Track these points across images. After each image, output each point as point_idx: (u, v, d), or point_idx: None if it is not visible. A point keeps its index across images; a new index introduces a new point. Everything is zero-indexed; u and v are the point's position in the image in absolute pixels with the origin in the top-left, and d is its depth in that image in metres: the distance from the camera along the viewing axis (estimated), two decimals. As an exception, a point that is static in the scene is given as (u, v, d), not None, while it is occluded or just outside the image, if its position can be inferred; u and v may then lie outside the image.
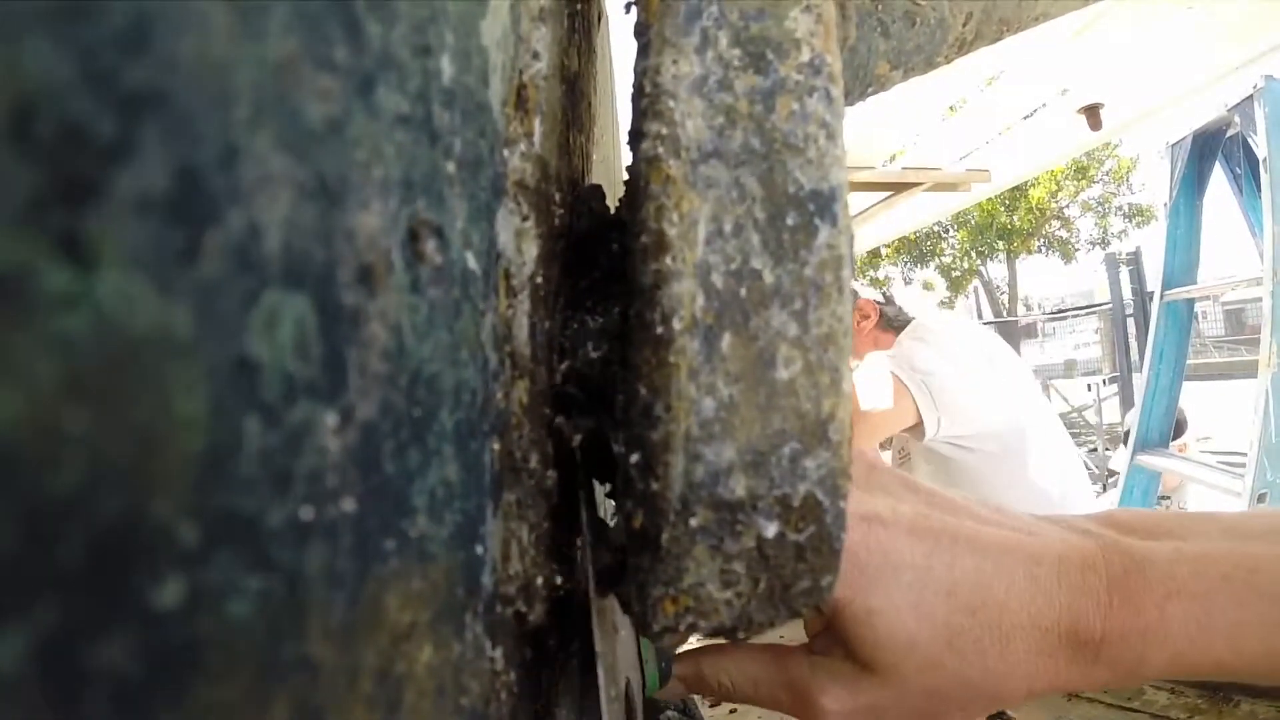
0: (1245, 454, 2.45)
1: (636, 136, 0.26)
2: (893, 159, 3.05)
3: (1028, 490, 1.55)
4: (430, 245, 0.18)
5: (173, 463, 0.12)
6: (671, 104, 0.26)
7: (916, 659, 0.32)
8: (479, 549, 0.22)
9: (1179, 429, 3.25)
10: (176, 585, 0.12)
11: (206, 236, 0.12)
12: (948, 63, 0.52)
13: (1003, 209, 16.77)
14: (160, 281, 0.12)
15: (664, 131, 0.25)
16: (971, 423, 1.51)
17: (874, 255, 16.15)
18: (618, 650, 0.32)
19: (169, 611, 0.12)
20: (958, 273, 18.46)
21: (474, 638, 0.22)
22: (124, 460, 0.11)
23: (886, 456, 1.85)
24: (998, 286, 19.62)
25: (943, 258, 18.62)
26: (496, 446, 0.23)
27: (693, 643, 0.36)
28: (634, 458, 0.25)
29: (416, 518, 0.18)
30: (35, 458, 0.11)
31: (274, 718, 0.14)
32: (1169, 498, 3.12)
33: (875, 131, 2.66)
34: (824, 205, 0.26)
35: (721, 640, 0.31)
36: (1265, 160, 2.43)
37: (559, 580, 0.28)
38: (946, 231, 18.25)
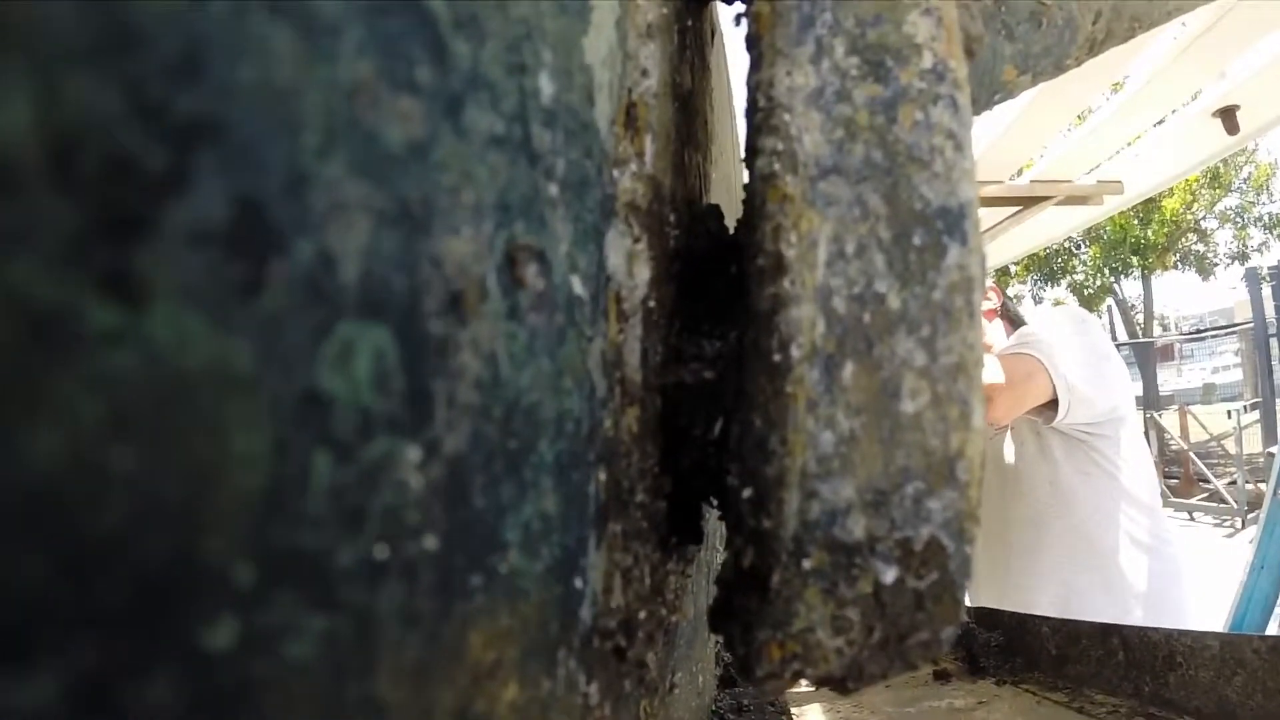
0: None
1: (752, 153, 0.25)
2: (1020, 173, 2.92)
3: (1127, 479, 1.58)
4: (530, 270, 0.17)
5: (227, 501, 0.12)
6: (787, 118, 0.24)
7: None
8: (578, 582, 0.21)
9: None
10: (229, 626, 0.12)
11: (270, 268, 0.12)
12: (1078, 64, 0.48)
13: (1136, 222, 15.73)
14: (217, 316, 0.11)
15: (780, 147, 0.24)
16: (1093, 409, 1.51)
17: (1003, 273, 15.48)
18: None
19: (220, 653, 0.12)
20: (1090, 290, 17.44)
21: (567, 674, 0.21)
22: (173, 499, 0.11)
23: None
24: (1132, 305, 18.39)
25: (1074, 275, 17.62)
26: (603, 476, 0.22)
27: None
28: (746, 492, 0.23)
29: (508, 553, 0.17)
30: (75, 497, 0.10)
31: None
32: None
33: (1001, 144, 2.55)
34: (953, 222, 0.24)
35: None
36: None
37: (664, 613, 0.27)
38: (1078, 247, 17.28)
